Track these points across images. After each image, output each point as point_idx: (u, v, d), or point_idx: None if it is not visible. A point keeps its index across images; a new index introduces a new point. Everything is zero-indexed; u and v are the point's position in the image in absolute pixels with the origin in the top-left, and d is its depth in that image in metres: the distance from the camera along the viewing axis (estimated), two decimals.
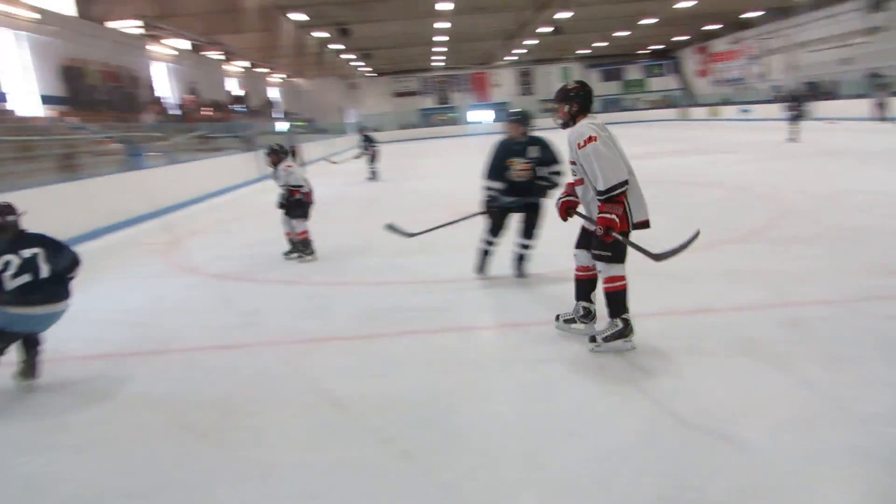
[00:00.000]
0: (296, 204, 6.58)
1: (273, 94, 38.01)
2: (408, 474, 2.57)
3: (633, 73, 47.24)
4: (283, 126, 26.96)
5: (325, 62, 35.23)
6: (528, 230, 5.22)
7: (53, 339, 4.54)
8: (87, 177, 10.22)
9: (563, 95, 3.64)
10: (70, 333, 4.75)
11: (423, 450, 2.76)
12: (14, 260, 3.57)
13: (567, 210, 3.80)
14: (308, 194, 6.66)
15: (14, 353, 3.68)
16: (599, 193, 3.44)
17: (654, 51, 44.88)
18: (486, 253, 5.35)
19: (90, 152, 10.96)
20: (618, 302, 3.57)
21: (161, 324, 4.88)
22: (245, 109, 28.38)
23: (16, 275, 3.54)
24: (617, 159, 3.42)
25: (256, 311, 5.00)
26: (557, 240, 6.22)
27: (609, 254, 3.51)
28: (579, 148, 3.46)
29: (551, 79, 46.99)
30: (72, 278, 3.82)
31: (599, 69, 46.80)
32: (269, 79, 37.47)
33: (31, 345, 3.73)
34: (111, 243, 8.90)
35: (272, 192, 7.30)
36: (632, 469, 2.48)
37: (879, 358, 3.31)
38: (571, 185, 3.78)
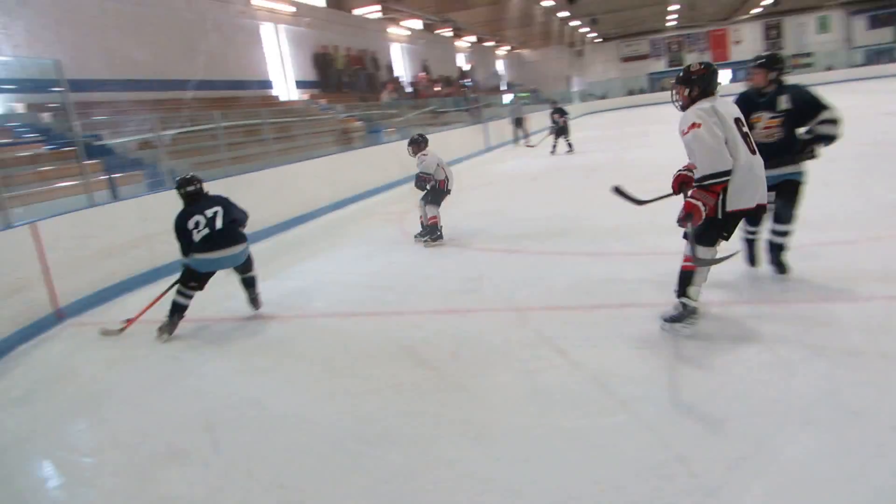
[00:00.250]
0: (429, 190, 6.79)
1: (499, 66, 38.71)
2: (623, 449, 2.52)
3: None
4: (507, 98, 27.37)
5: (550, 31, 34.99)
6: (785, 212, 4.12)
7: (303, 298, 5.15)
8: (333, 152, 11.36)
9: (686, 78, 3.56)
10: (317, 293, 5.37)
11: (642, 425, 2.68)
12: (201, 219, 4.62)
13: (680, 185, 3.66)
14: (441, 182, 6.81)
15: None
16: (696, 180, 3.40)
17: None
18: (750, 243, 4.40)
19: (335, 130, 12.12)
20: (683, 282, 3.55)
21: (392, 287, 5.29)
22: (471, 83, 29.28)
23: (201, 230, 4.59)
24: (719, 148, 3.31)
25: (478, 278, 5.20)
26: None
27: (698, 234, 3.47)
28: (682, 135, 3.45)
29: (805, 31, 41.91)
30: (242, 228, 4.85)
31: (866, 15, 40.50)
32: (495, 52, 38.20)
33: (247, 284, 4.91)
34: (352, 213, 9.81)
35: (497, 162, 7.47)
36: (874, 467, 2.18)
37: None
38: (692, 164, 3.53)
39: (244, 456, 2.81)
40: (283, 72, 17.25)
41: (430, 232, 6.75)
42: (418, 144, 7.19)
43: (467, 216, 8.30)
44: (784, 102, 4.03)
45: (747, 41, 42.91)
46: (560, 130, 15.04)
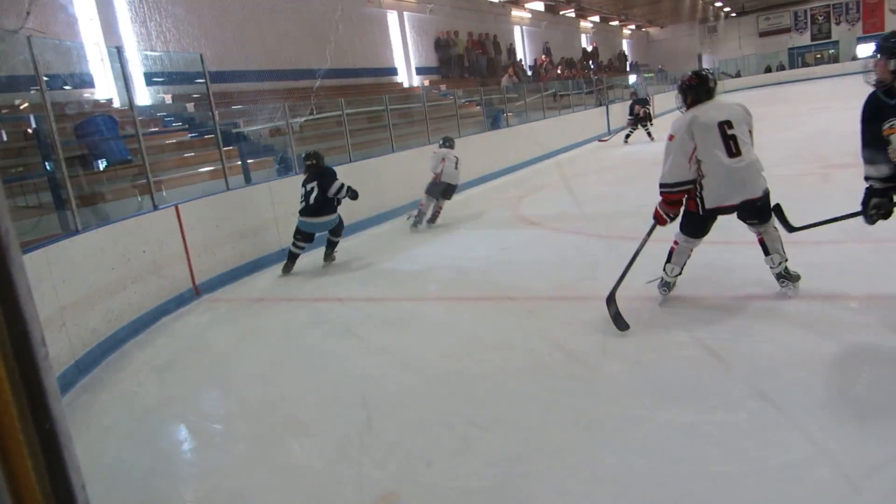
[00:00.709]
0: (435, 184, 7.49)
1: (623, 46, 37.41)
2: (744, 448, 2.39)
3: None
4: (631, 79, 26.42)
5: (681, 7, 33.33)
6: None
7: (419, 280, 5.26)
8: (454, 137, 11.48)
9: (682, 88, 3.85)
10: (432, 276, 5.48)
11: (763, 424, 2.53)
12: (303, 191, 6.01)
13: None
14: (436, 175, 7.44)
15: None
16: (659, 185, 3.82)
17: None
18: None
19: (455, 116, 12.22)
20: (668, 256, 4.05)
21: (507, 272, 5.29)
22: (593, 66, 28.50)
23: (302, 200, 6.01)
24: (682, 162, 3.64)
25: (594, 266, 5.09)
26: None
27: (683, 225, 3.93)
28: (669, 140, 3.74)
29: None
30: (338, 200, 6.06)
31: None
32: (620, 32, 36.93)
33: (329, 244, 6.30)
34: (471, 197, 9.88)
35: (617, 146, 7.29)
36: None
37: None
38: None
39: (357, 432, 2.93)
40: (406, 59, 17.60)
41: (421, 218, 7.51)
42: (439, 145, 8.00)
43: (585, 201, 8.15)
44: None
45: None
46: (639, 120, 14.59)
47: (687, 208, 3.78)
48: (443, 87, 16.74)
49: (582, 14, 29.35)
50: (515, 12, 23.80)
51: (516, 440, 2.68)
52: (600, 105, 19.10)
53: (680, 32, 40.61)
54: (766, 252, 3.82)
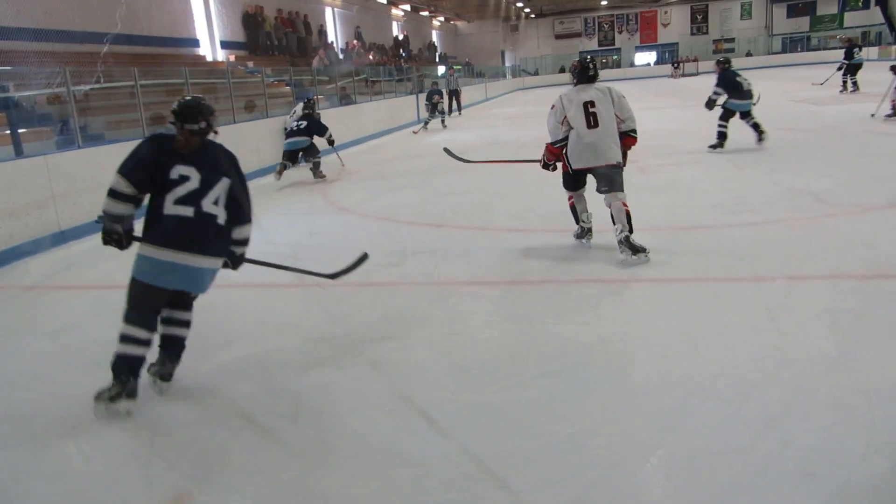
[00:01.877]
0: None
1: (433, 37, 38.33)
2: (535, 422, 2.57)
3: (825, 6, 42.04)
4: (440, 70, 27.17)
5: (486, 4, 34.84)
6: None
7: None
8: (260, 117, 10.99)
9: (571, 69, 4.87)
10: None
11: (554, 399, 2.74)
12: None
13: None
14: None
15: None
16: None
17: None
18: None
19: (262, 94, 11.73)
20: (572, 212, 4.92)
21: (316, 258, 5.17)
22: (405, 54, 28.89)
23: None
24: (556, 125, 4.63)
25: (402, 252, 5.17)
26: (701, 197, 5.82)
27: (563, 182, 4.88)
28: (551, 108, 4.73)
29: (729, 17, 43.29)
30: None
31: (784, 3, 42.20)
32: (431, 22, 37.76)
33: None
34: (276, 180, 9.55)
35: (428, 135, 7.44)
36: (775, 439, 2.30)
37: None
38: None
39: (147, 430, 2.71)
40: (210, 31, 16.52)
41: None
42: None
43: (393, 189, 8.24)
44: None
45: (675, 24, 44.08)
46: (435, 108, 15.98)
47: (563, 169, 4.75)
48: (250, 63, 15.97)
49: (394, 2, 29.57)
50: None
51: (321, 429, 2.64)
52: (409, 94, 19.40)
53: (485, 28, 42.49)
54: (613, 222, 4.53)
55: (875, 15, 40.44)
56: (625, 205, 4.46)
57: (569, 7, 42.06)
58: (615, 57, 43.83)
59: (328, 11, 23.98)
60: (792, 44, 41.91)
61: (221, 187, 2.93)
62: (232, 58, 16.59)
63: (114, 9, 12.10)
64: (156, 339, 2.98)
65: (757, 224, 5.16)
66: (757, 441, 2.31)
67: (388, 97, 17.57)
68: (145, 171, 2.84)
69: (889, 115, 10.64)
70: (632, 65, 42.98)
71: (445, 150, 6.52)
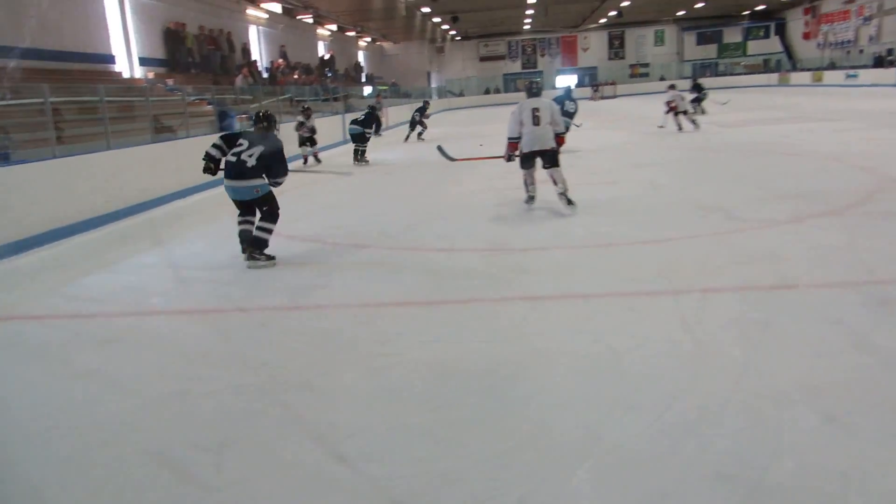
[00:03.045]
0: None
1: (359, 57, 38.37)
2: (464, 441, 2.59)
3: (731, 35, 44.63)
4: (367, 90, 27.19)
5: (412, 26, 35.18)
6: None
7: (138, 294, 4.81)
8: (181, 137, 10.69)
9: (525, 87, 7.21)
10: (154, 289, 5.04)
11: (481, 418, 2.77)
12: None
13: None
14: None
15: None
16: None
17: (756, 12, 42.19)
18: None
19: (184, 113, 11.42)
20: (525, 185, 7.05)
21: (239, 282, 5.08)
22: (331, 73, 28.79)
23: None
24: (513, 126, 6.76)
25: (329, 274, 5.12)
26: (628, 215, 6.07)
27: (520, 163, 6.92)
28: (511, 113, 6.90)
29: (644, 43, 45.28)
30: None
31: (694, 32, 44.55)
32: (357, 43, 37.80)
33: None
34: (199, 202, 9.31)
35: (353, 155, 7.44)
36: (694, 445, 2.40)
37: None
38: None
39: (57, 468, 2.57)
40: (127, 47, 15.99)
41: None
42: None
43: (318, 210, 8.16)
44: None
45: (594, 49, 45.74)
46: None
47: (520, 155, 6.80)
48: (170, 81, 15.54)
49: (319, 21, 29.46)
50: (251, 11, 23.06)
51: (247, 461, 2.57)
52: (336, 114, 19.32)
53: (411, 49, 42.87)
54: (555, 182, 6.67)
55: (775, 44, 43.25)
56: (560, 172, 6.66)
57: (493, 30, 42.97)
58: (538, 79, 44.98)
59: (252, 29, 23.66)
60: (702, 69, 44.15)
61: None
62: (151, 75, 16.11)
63: (22, 22, 11.57)
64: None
65: (672, 240, 5.39)
66: (677, 448, 2.41)
67: (314, 117, 17.41)
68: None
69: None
70: (554, 87, 44.23)
71: (438, 147, 9.80)
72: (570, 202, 6.61)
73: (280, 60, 23.91)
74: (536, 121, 6.60)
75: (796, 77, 37.16)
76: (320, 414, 2.89)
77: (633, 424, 2.60)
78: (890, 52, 30.69)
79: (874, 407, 2.59)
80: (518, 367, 3.22)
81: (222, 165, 5.46)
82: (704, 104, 17.93)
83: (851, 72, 30.30)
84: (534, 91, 6.98)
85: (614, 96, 37.49)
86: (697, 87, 18.15)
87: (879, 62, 30.49)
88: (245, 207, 5.46)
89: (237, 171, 5.22)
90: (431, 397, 2.97)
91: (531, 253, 5.36)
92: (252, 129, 5.65)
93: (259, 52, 23.86)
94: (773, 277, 4.28)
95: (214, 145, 5.48)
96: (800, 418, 2.55)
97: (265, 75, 21.71)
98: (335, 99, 20.41)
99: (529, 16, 36.60)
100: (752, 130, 14.01)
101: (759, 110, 20.01)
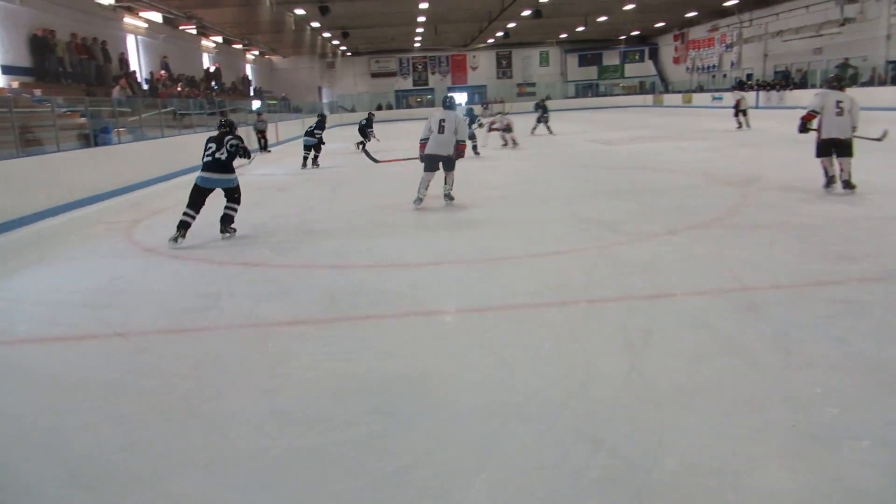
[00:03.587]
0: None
1: (247, 71, 37.38)
2: (361, 461, 2.55)
3: (610, 58, 47.25)
4: (256, 104, 26.51)
5: (302, 40, 34.70)
6: None
7: (4, 320, 4.44)
8: (49, 151, 9.95)
9: (442, 101, 8.50)
10: (21, 315, 4.66)
11: (378, 436, 2.74)
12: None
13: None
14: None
15: None
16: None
17: (632, 37, 44.91)
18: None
19: (53, 126, 10.65)
20: (419, 186, 8.17)
21: (118, 305, 4.78)
22: (217, 87, 27.86)
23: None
24: (425, 130, 8.09)
25: (216, 294, 4.92)
26: (529, 230, 6.27)
27: (424, 165, 8.19)
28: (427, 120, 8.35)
29: (530, 62, 46.98)
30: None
31: (577, 54, 46.79)
32: (244, 56, 36.81)
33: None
34: (72, 220, 8.71)
35: (242, 170, 7.24)
36: (583, 451, 2.48)
37: (826, 340, 3.39)
38: None
39: None
40: None
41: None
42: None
43: (206, 227, 7.83)
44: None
45: (483, 68, 47.00)
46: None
47: (425, 155, 8.03)
48: (38, 91, 14.45)
49: (204, 32, 28.48)
50: (129, 19, 21.95)
51: (124, 499, 2.40)
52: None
53: (301, 64, 42.31)
54: (445, 182, 8.19)
55: (650, 67, 46.18)
56: (453, 176, 8.19)
57: (384, 47, 43.17)
58: (429, 97, 45.64)
59: (130, 39, 22.52)
60: (584, 89, 46.45)
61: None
62: (15, 84, 14.95)
63: None
64: None
65: (559, 253, 5.60)
66: (568, 455, 2.48)
67: (199, 131, 16.75)
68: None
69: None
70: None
71: (364, 151, 11.09)
72: (450, 198, 8.23)
73: (162, 72, 22.87)
74: (441, 129, 7.87)
75: (669, 98, 39.81)
76: (208, 442, 2.76)
77: (526, 435, 2.66)
78: (749, 76, 33.57)
79: (742, 405, 2.79)
80: (413, 384, 3.22)
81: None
82: (550, 124, 19.99)
83: (717, 94, 32.80)
84: (447, 105, 8.21)
85: (504, 113, 38.55)
86: (542, 108, 20.41)
87: (741, 86, 33.25)
88: (202, 199, 6.67)
89: (217, 166, 6.58)
90: (325, 418, 2.91)
91: (425, 268, 5.39)
92: (217, 134, 6.76)
93: (139, 63, 22.73)
94: (652, 287, 4.53)
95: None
96: (679, 420, 2.70)
97: (145, 87, 20.67)
98: (221, 113, 19.72)
99: (420, 34, 37.09)
100: (631, 148, 14.86)
101: (636, 129, 21.25)
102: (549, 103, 21.41)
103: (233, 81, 32.41)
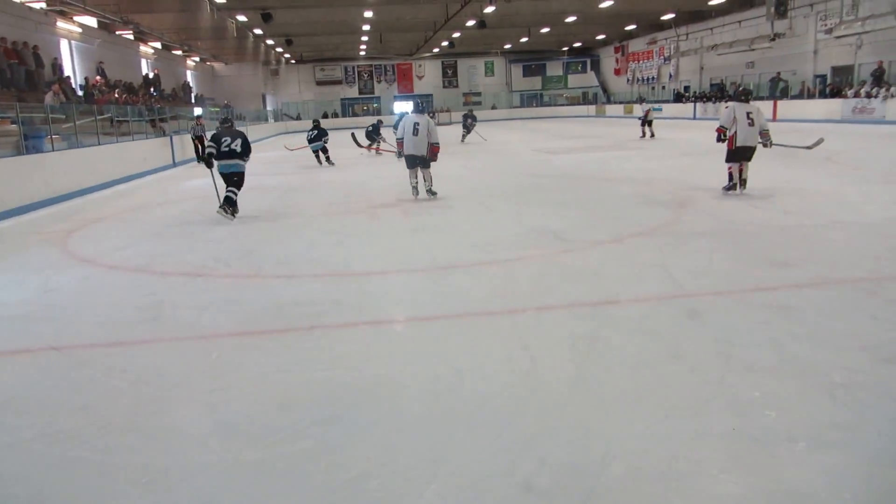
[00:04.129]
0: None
1: (188, 77, 36.51)
2: (309, 473, 2.51)
3: (553, 69, 48.12)
4: (197, 111, 25.90)
5: (245, 47, 34.14)
6: None
7: None
8: None
9: (414, 105, 9.75)
10: None
11: (327, 448, 2.70)
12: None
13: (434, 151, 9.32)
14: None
15: None
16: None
17: (574, 48, 45.86)
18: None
19: None
20: (410, 181, 9.42)
21: (53, 318, 4.59)
22: (156, 93, 27.12)
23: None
24: (400, 129, 9.19)
25: (158, 305, 4.77)
26: (478, 236, 6.30)
27: (406, 163, 9.44)
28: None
29: (475, 72, 47.42)
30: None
31: (521, 64, 47.48)
32: (184, 62, 35.96)
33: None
34: (2, 231, 8.33)
35: (185, 179, 7.05)
36: (532, 459, 2.50)
37: (766, 345, 3.51)
38: None
39: None
40: None
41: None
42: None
43: (147, 236, 7.61)
44: None
45: (429, 76, 47.18)
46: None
47: (404, 155, 9.14)
48: None
49: (142, 38, 27.71)
50: (62, 24, 21.17)
51: None
52: (162, 136, 18.21)
53: (245, 71, 41.62)
54: (424, 179, 9.22)
55: (592, 78, 47.22)
56: (430, 171, 9.25)
57: (329, 55, 42.87)
58: (375, 105, 45.52)
59: (64, 44, 21.73)
60: (529, 99, 47.15)
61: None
62: None
63: None
64: None
65: (508, 261, 5.65)
66: (517, 463, 2.50)
67: (137, 139, 16.28)
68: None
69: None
70: (391, 112, 44.94)
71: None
72: (433, 193, 9.29)
73: (98, 78, 22.13)
74: (415, 132, 8.83)
75: (611, 109, 40.78)
76: (148, 458, 2.67)
77: (476, 443, 2.66)
78: (686, 88, 34.72)
79: (685, 409, 2.86)
80: (362, 394, 3.19)
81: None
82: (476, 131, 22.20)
83: (656, 105, 33.76)
84: (419, 109, 9.46)
85: (450, 123, 38.76)
86: (471, 117, 22.93)
87: (679, 97, 34.33)
88: (231, 179, 8.38)
89: (230, 155, 8.23)
90: (271, 431, 2.85)
91: (373, 277, 5.36)
92: (225, 129, 8.44)
93: (73, 68, 21.94)
94: (598, 294, 4.61)
95: (209, 146, 8.30)
96: (625, 425, 2.75)
97: (80, 93, 19.96)
98: (161, 120, 19.20)
99: (365, 42, 36.99)
100: (575, 158, 15.14)
101: (580, 139, 21.68)
102: (494, 112, 22.47)
103: (173, 88, 31.61)
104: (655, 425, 2.73)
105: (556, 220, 7.38)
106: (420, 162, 9.02)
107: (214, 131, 8.83)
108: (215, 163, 8.18)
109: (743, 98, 8.55)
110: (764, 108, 10.88)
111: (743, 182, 8.37)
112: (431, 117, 20.55)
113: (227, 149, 8.23)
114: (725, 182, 8.53)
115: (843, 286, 4.55)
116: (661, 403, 2.92)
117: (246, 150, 8.31)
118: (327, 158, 16.20)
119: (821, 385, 3.04)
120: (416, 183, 9.31)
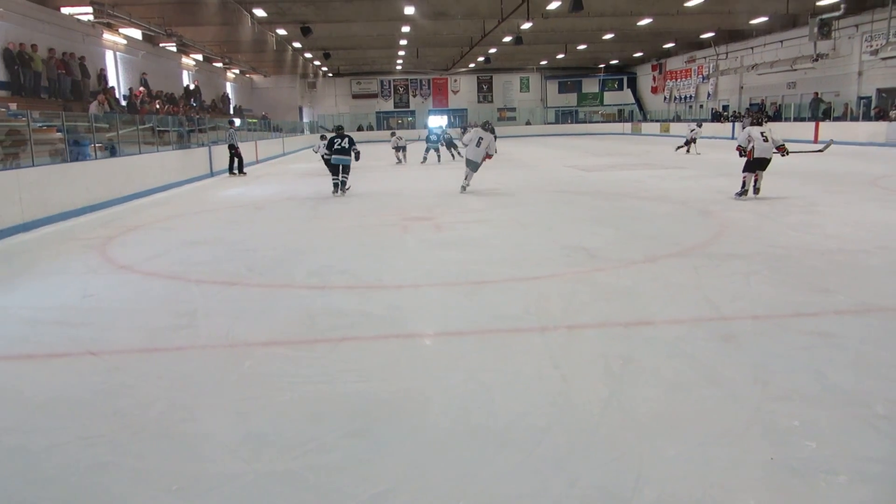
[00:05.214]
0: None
1: (227, 89, 37.25)
2: (337, 486, 2.50)
3: (589, 86, 47.99)
4: (236, 122, 26.39)
5: (283, 60, 34.74)
6: None
7: None
8: (25, 165, 9.79)
9: (477, 123, 12.39)
10: None
11: (355, 461, 2.69)
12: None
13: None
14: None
15: None
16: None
17: (611, 65, 45.69)
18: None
19: (28, 140, 10.49)
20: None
21: (91, 323, 4.68)
22: (196, 104, 27.71)
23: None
24: (467, 139, 12.24)
25: (192, 313, 4.84)
26: (505, 252, 6.29)
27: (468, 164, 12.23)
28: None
29: (510, 87, 47.52)
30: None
31: (556, 80, 47.45)
32: (225, 74, 36.72)
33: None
34: (45, 236, 8.56)
35: (220, 188, 7.15)
36: (563, 480, 2.46)
37: (806, 372, 3.40)
38: None
39: None
40: None
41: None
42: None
43: (182, 245, 7.75)
44: None
45: (464, 91, 47.42)
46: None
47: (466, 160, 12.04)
48: (13, 105, 14.25)
49: (184, 50, 28.39)
50: (108, 36, 21.79)
51: None
52: (201, 146, 18.57)
53: (282, 83, 42.31)
54: (465, 178, 11.88)
55: (628, 96, 46.97)
56: (472, 176, 11.82)
57: (365, 69, 43.41)
58: (410, 119, 45.88)
59: (109, 55, 22.35)
60: (563, 116, 47.07)
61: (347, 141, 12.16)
62: None
63: None
64: None
65: (540, 278, 5.61)
66: (547, 484, 2.46)
67: (178, 147, 16.65)
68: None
69: None
70: (425, 126, 45.26)
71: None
72: (464, 188, 11.82)
73: (141, 89, 22.70)
74: (478, 144, 11.58)
75: (647, 127, 40.48)
76: (179, 465, 2.69)
77: (505, 462, 2.63)
78: (725, 107, 34.32)
79: (721, 436, 2.79)
80: (391, 408, 3.18)
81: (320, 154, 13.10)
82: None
83: (694, 124, 33.40)
84: (487, 128, 11.98)
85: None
86: (490, 130, 23.22)
87: (717, 117, 33.91)
88: (336, 169, 12.11)
89: (341, 151, 11.92)
90: (301, 442, 2.85)
91: (404, 290, 5.36)
92: (337, 133, 12.17)
93: (117, 79, 22.54)
94: (631, 314, 4.54)
95: (323, 145, 12.71)
96: (658, 450, 2.69)
97: (123, 103, 20.49)
98: (200, 130, 19.59)
99: (401, 57, 37.37)
100: (610, 175, 15.02)
101: (615, 157, 21.54)
102: (528, 128, 22.55)
103: (213, 99, 32.26)
104: (690, 451, 2.67)
105: (590, 237, 7.31)
106: (471, 166, 11.73)
107: (329, 134, 12.77)
108: (335, 157, 11.97)
109: (755, 121, 10.30)
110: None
111: (756, 189, 9.85)
112: (464, 132, 20.96)
113: (339, 147, 11.84)
114: (738, 188, 10.01)
115: (887, 314, 4.42)
116: (696, 429, 2.85)
117: (351, 146, 11.96)
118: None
119: (863, 416, 2.93)
120: (467, 182, 11.90)
